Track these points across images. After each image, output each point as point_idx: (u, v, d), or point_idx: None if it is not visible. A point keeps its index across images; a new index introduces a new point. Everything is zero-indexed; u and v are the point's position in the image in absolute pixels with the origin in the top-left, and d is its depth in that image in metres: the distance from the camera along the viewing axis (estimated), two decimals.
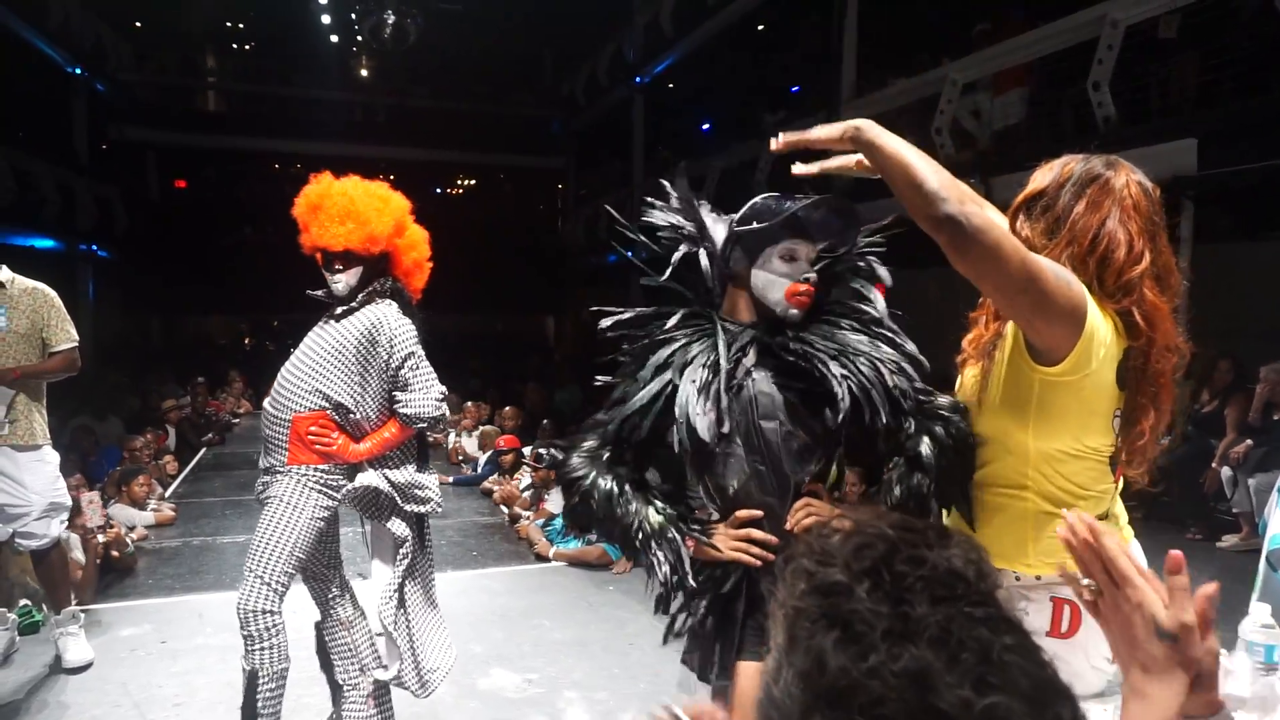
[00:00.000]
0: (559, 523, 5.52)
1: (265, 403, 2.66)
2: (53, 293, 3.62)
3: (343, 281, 2.61)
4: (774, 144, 1.63)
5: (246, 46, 21.49)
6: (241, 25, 20.78)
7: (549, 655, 3.91)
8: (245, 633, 2.49)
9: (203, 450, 9.74)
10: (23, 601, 3.96)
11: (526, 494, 6.67)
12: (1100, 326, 1.45)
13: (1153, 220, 1.53)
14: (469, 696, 3.46)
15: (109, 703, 3.36)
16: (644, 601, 4.66)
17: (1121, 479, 1.63)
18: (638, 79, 15.52)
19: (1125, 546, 0.86)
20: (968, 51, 8.04)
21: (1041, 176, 1.60)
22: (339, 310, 2.63)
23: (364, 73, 21.27)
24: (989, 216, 1.38)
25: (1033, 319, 1.43)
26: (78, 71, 14.72)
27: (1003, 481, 1.57)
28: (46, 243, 12.50)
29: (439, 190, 22.41)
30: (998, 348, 1.55)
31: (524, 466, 7.22)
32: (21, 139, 12.40)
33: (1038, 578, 1.53)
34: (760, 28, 13.83)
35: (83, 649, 3.67)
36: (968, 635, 0.55)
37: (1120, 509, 1.67)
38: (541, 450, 6.36)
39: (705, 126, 16.34)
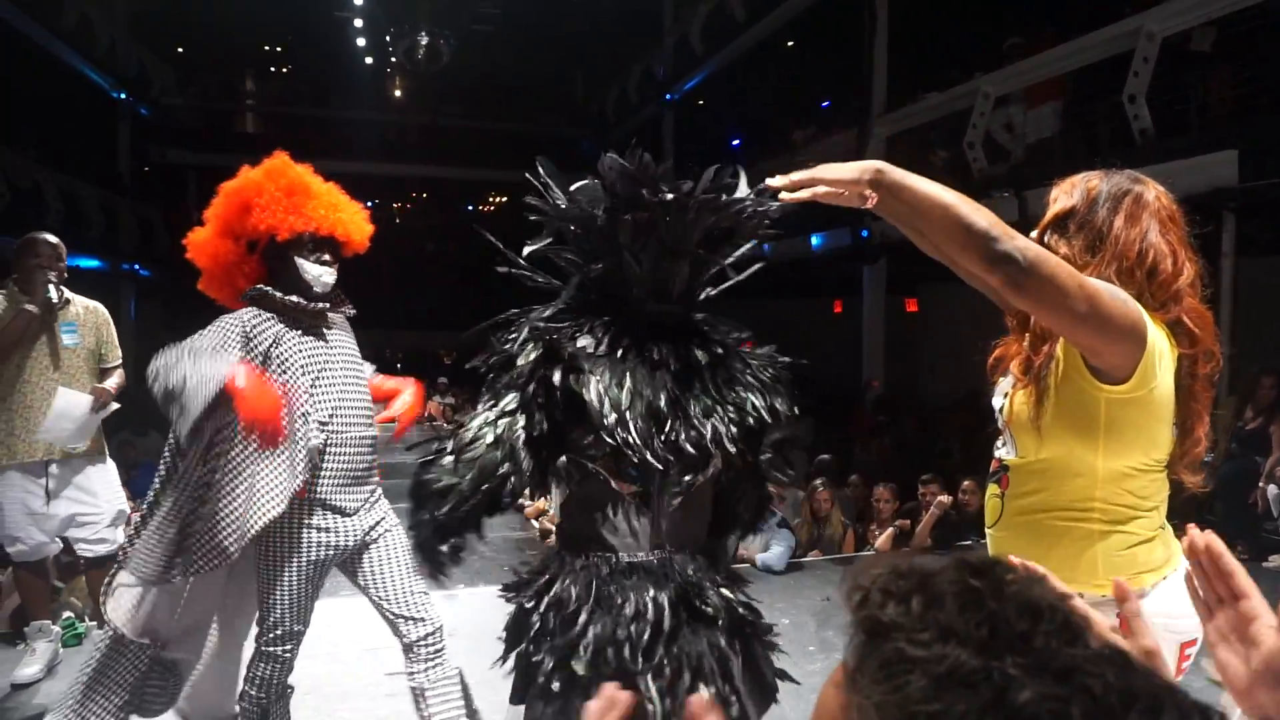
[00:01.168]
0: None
1: (351, 434, 2.40)
2: (106, 310, 3.76)
3: (333, 276, 2.44)
4: (772, 183, 1.53)
5: (284, 70, 22.00)
6: (279, 49, 21.29)
7: None
8: (439, 643, 2.49)
9: None
10: (66, 614, 4.04)
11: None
12: (1158, 338, 1.44)
13: (1185, 231, 1.55)
14: (497, 712, 3.45)
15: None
16: None
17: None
18: (668, 96, 15.62)
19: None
20: (1000, 65, 8.00)
21: (1065, 196, 1.59)
22: (333, 315, 2.49)
23: (398, 93, 21.64)
24: (1038, 246, 1.37)
25: (1095, 342, 1.41)
26: (122, 96, 15.15)
27: (1067, 505, 1.53)
28: (91, 262, 12.81)
29: (471, 207, 22.71)
30: (1050, 371, 1.51)
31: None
32: (68, 162, 12.76)
33: (1103, 596, 1.48)
34: (790, 44, 13.87)
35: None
36: (1166, 696, 0.50)
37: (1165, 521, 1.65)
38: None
39: (735, 142, 16.39)
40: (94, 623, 3.91)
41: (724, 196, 1.64)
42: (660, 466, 1.57)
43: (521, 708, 1.67)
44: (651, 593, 1.57)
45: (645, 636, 1.53)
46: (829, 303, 13.70)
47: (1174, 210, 1.54)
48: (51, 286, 3.47)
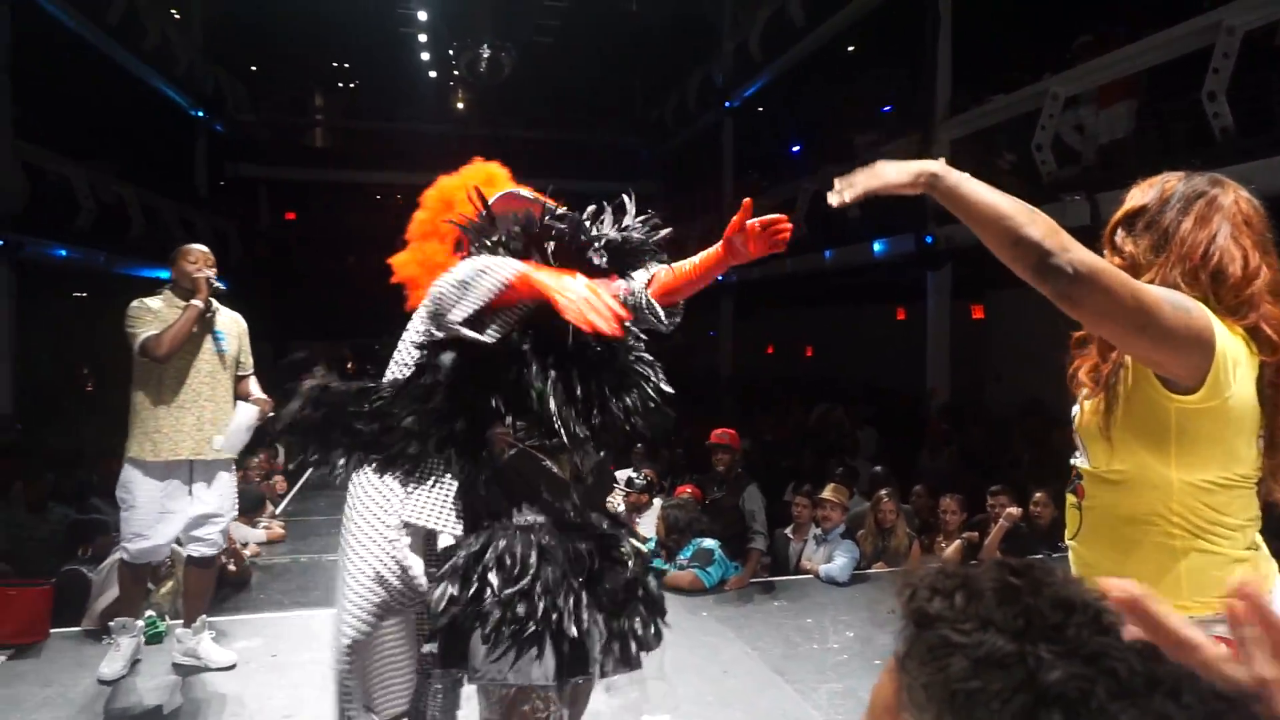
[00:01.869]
0: (650, 546, 5.52)
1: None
2: (244, 321, 3.96)
3: None
4: (833, 199, 1.56)
5: (351, 85, 22.60)
6: (346, 65, 21.88)
7: (639, 681, 3.90)
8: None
9: (309, 470, 10.14)
10: (149, 612, 4.19)
11: None
12: (1230, 345, 1.37)
13: (1265, 235, 1.47)
14: None
15: (228, 712, 3.51)
16: (739, 628, 4.60)
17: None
18: (727, 103, 15.60)
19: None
20: (1068, 65, 7.79)
21: (1141, 194, 1.55)
22: None
23: (460, 106, 22.04)
24: (1094, 257, 1.31)
25: (1155, 355, 1.36)
26: (199, 114, 15.76)
27: (1145, 517, 1.47)
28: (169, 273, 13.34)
29: None
30: (1120, 380, 1.46)
31: (614, 490, 7.26)
32: (149, 178, 13.31)
33: (1191, 617, 1.42)
34: (851, 48, 13.73)
35: (226, 652, 3.94)
36: (1188, 682, 0.53)
37: (1259, 539, 1.54)
38: (633, 475, 6.39)
39: (795, 149, 16.28)
40: (175, 621, 4.05)
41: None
42: (582, 440, 1.97)
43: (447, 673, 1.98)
44: (582, 545, 1.94)
45: (581, 579, 1.89)
46: (892, 309, 13.49)
47: (1253, 214, 1.48)
48: (214, 282, 3.70)
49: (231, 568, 5.25)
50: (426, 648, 2.02)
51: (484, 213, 2.15)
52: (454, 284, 1.90)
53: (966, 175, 1.39)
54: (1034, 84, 8.21)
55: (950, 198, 1.38)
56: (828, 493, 5.62)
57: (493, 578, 1.86)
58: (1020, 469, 7.12)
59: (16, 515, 5.87)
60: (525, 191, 2.31)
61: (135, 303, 3.67)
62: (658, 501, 6.14)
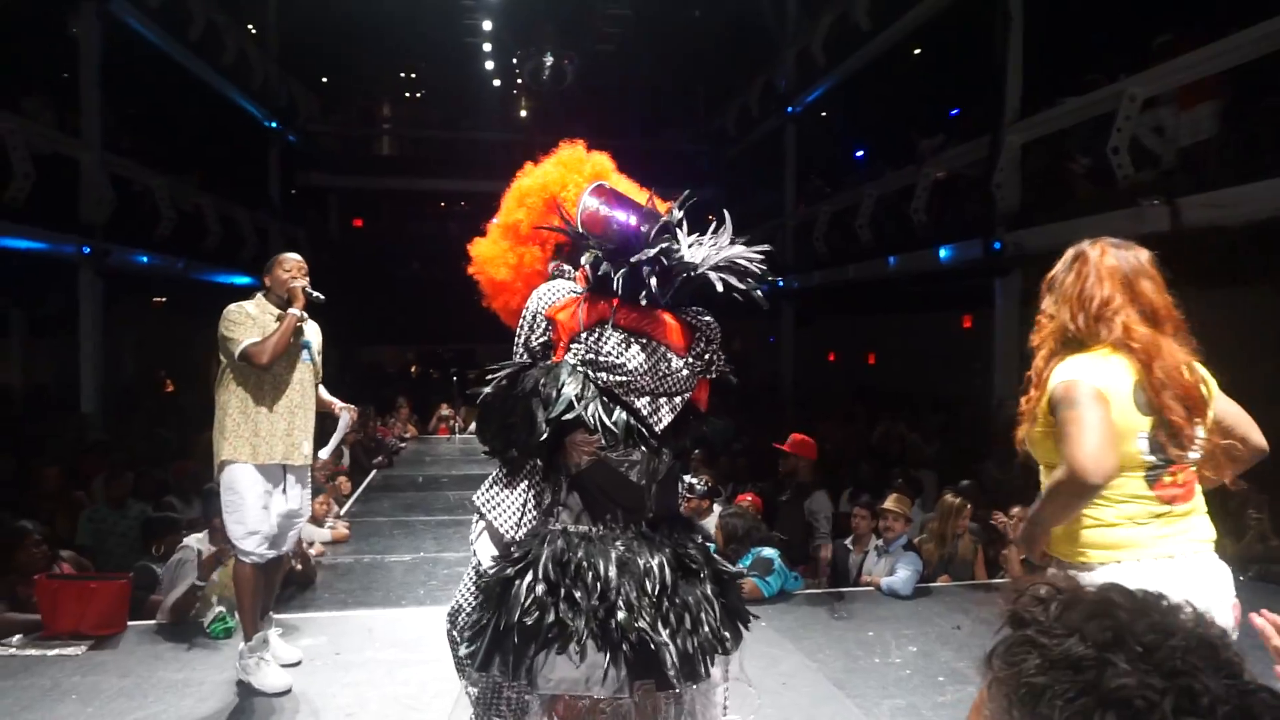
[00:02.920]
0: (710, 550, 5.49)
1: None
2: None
3: None
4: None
5: (417, 95, 23.07)
6: (413, 75, 22.35)
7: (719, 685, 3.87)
8: None
9: (372, 473, 10.36)
10: (219, 608, 4.32)
11: None
12: (1106, 384, 1.92)
13: (1128, 276, 2.01)
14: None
15: (290, 708, 3.59)
16: (799, 639, 4.53)
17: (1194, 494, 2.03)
18: (790, 109, 15.47)
19: None
20: (1144, 66, 7.52)
21: (1057, 265, 2.14)
22: None
23: (523, 114, 22.31)
24: (1051, 483, 1.96)
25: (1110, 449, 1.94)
26: (273, 125, 16.25)
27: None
28: (245, 279, 13.77)
29: None
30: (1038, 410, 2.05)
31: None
32: (226, 188, 13.79)
33: (1072, 562, 2.04)
34: (917, 50, 13.49)
35: (292, 649, 4.04)
36: (1259, 707, 0.53)
37: (1196, 521, 2.02)
38: (693, 480, 6.36)
39: (858, 154, 16.06)
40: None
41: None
42: (657, 448, 1.99)
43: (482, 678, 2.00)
44: (656, 557, 1.91)
45: (657, 591, 1.87)
46: (958, 317, 13.19)
47: (1113, 263, 2.03)
48: (310, 292, 3.78)
49: (298, 566, 5.38)
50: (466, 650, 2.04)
51: (591, 238, 2.07)
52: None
53: (1027, 536, 2.10)
54: (1109, 85, 7.95)
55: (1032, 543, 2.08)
56: (890, 503, 5.51)
57: (572, 588, 1.86)
58: None
59: (99, 511, 6.12)
60: (628, 186, 2.30)
61: (233, 306, 3.72)
62: (717, 508, 6.10)
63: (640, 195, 2.28)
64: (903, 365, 14.84)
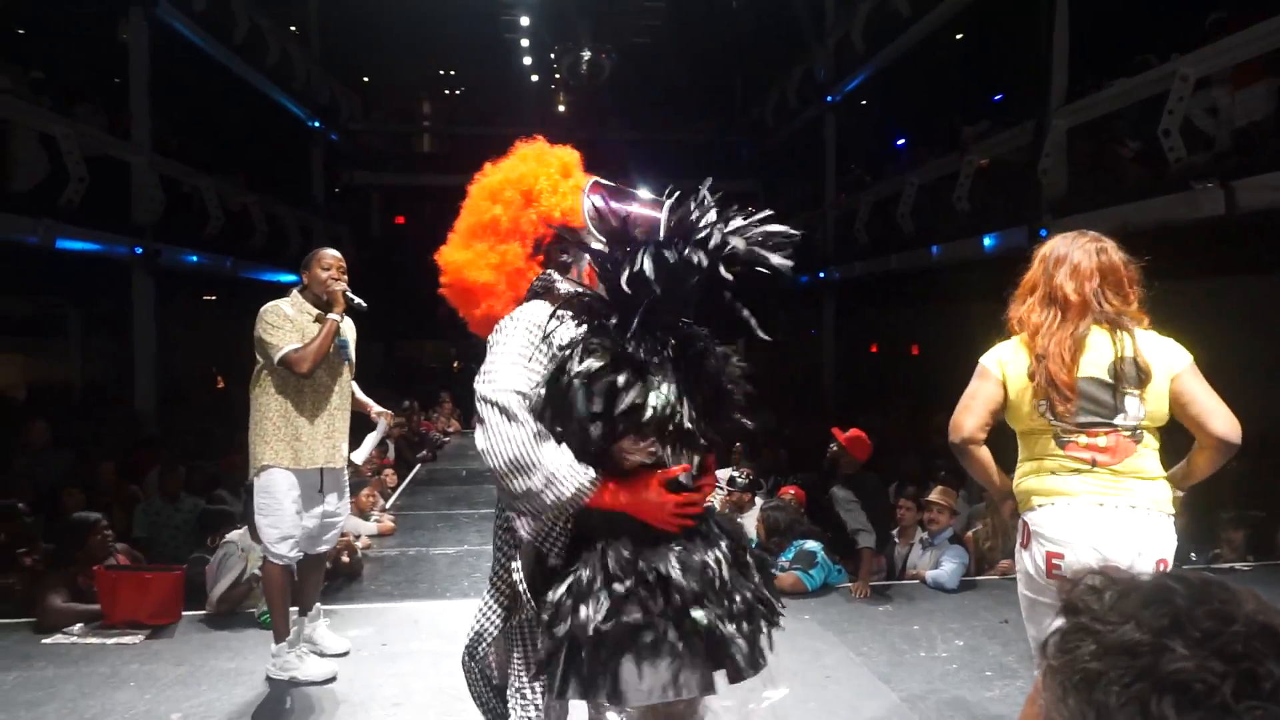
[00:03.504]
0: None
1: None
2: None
3: None
4: None
5: (456, 92, 23.25)
6: (452, 72, 22.52)
7: (741, 685, 3.86)
8: None
9: (417, 466, 10.49)
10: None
11: None
12: (1008, 370, 2.37)
13: (1080, 265, 2.30)
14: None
15: (338, 698, 3.66)
16: (843, 633, 4.50)
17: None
18: (829, 98, 15.30)
19: None
20: (1195, 45, 7.29)
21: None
22: None
23: (561, 108, 22.37)
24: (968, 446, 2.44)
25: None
26: (316, 125, 16.49)
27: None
28: (289, 277, 14.01)
29: None
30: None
31: (717, 490, 7.23)
32: (271, 186, 14.04)
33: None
34: (959, 35, 13.24)
35: (340, 639, 4.10)
36: None
37: (1133, 483, 2.23)
38: (734, 474, 6.34)
39: (899, 142, 15.83)
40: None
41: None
42: (704, 447, 1.93)
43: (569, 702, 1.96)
44: (711, 552, 1.90)
45: (718, 585, 1.87)
46: (1003, 307, 12.92)
47: (1063, 252, 2.34)
48: (350, 296, 3.76)
49: (345, 559, 5.47)
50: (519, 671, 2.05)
51: (613, 227, 1.97)
52: (522, 475, 1.79)
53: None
54: (1160, 66, 7.73)
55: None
56: (935, 495, 5.45)
57: (638, 591, 1.81)
58: None
59: (154, 504, 6.29)
60: (605, 183, 2.21)
61: (270, 306, 3.67)
62: (759, 501, 6.07)
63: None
64: (947, 356, 14.62)
